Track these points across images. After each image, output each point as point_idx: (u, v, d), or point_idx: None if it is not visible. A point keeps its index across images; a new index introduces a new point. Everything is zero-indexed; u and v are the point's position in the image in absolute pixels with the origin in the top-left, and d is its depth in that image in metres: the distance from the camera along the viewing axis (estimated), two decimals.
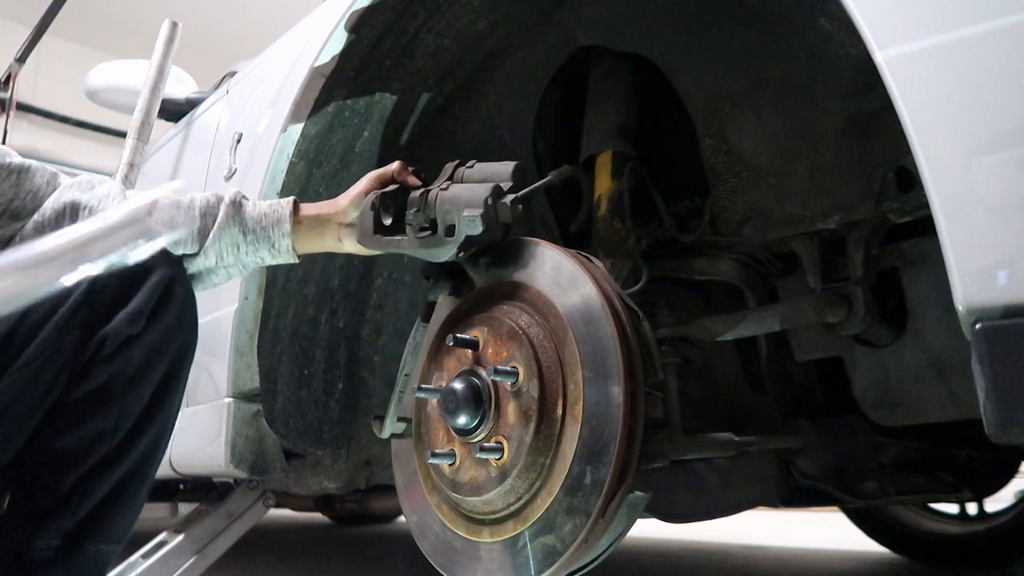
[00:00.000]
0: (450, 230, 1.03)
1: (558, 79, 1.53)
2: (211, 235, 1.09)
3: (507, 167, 1.06)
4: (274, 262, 1.15)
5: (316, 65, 1.41)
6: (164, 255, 1.04)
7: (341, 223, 1.13)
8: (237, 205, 1.12)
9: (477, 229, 0.99)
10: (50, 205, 1.03)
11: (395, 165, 1.14)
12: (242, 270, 1.15)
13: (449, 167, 1.11)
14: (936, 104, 0.71)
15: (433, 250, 1.05)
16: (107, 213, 0.88)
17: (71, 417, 0.98)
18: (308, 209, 1.14)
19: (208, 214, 1.10)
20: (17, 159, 1.06)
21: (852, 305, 1.22)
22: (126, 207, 1.03)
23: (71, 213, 1.03)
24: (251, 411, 1.51)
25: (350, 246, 1.15)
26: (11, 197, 1.03)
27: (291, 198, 1.15)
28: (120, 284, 0.98)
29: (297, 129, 1.42)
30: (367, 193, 1.12)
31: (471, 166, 1.09)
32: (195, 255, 1.09)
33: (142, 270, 0.99)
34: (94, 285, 0.97)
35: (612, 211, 1.36)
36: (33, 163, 1.07)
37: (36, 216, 1.02)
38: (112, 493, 1.00)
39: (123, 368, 0.99)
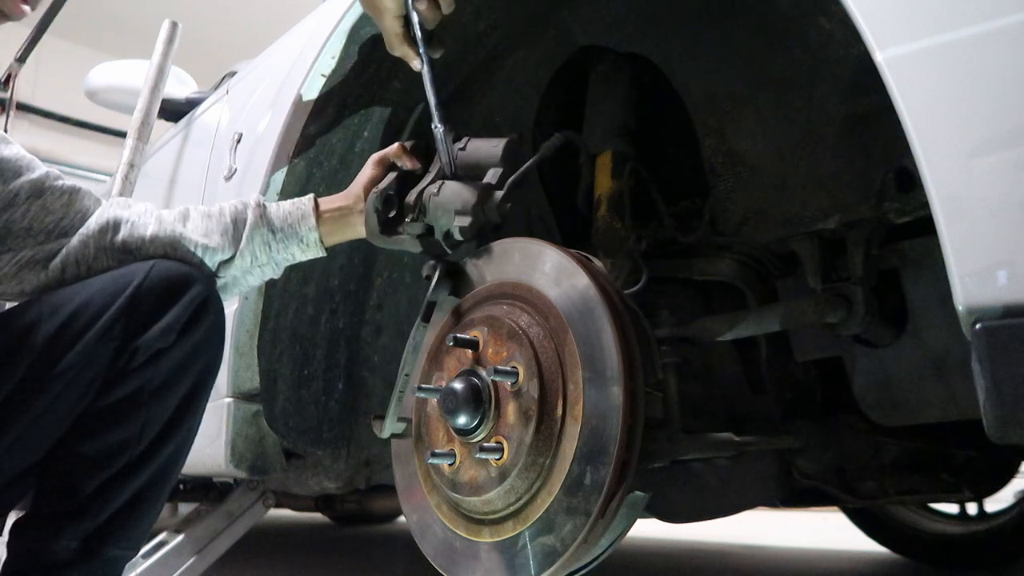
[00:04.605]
0: (446, 235, 1.09)
1: (558, 79, 1.53)
2: (244, 237, 1.13)
3: (498, 149, 1.10)
4: (304, 257, 1.19)
5: (315, 66, 1.41)
6: (200, 271, 1.08)
7: (361, 211, 1.18)
8: (262, 207, 1.17)
9: (469, 235, 1.06)
10: (94, 220, 1.08)
11: (394, 148, 1.19)
12: (275, 268, 1.19)
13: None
14: (936, 104, 0.71)
15: (433, 249, 1.12)
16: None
17: (97, 424, 1.00)
18: (327, 203, 1.19)
19: (238, 219, 1.14)
20: (69, 182, 1.11)
21: (852, 305, 1.22)
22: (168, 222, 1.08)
23: (114, 227, 1.07)
24: (251, 411, 1.51)
25: None
26: (61, 216, 1.07)
27: (310, 195, 1.20)
28: (159, 297, 1.01)
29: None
30: (374, 180, 1.18)
31: (464, 147, 1.13)
32: (231, 259, 1.13)
33: (180, 285, 1.03)
34: (135, 296, 1.00)
35: (612, 211, 1.35)
36: (82, 187, 1.13)
37: (82, 229, 1.07)
38: (131, 500, 1.02)
39: (151, 380, 1.01)
